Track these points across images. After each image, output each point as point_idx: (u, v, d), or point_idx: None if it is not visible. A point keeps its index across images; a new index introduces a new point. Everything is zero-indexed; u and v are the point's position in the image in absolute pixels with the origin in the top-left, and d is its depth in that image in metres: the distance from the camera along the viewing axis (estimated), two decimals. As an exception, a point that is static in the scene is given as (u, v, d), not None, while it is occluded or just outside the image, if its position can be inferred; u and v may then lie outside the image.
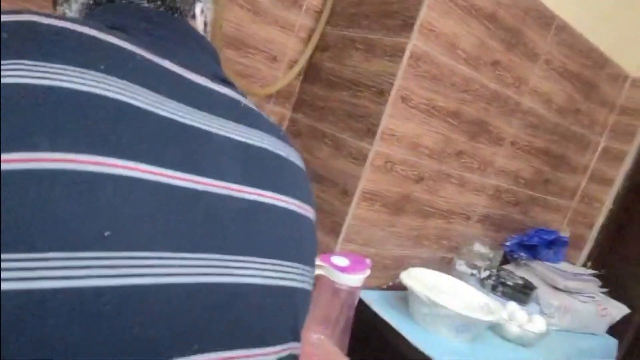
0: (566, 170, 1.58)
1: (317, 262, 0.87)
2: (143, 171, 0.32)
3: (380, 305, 1.09)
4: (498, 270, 1.33)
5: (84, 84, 0.31)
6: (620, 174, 1.58)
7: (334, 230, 1.09)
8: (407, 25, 1.02)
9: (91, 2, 0.45)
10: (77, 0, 0.46)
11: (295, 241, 0.43)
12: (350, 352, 0.95)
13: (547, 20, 1.24)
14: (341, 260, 0.89)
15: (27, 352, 0.26)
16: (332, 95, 1.18)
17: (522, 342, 1.14)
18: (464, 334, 1.03)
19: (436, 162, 1.18)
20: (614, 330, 1.47)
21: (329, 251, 1.07)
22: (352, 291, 0.89)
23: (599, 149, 1.63)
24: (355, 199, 1.07)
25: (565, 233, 1.63)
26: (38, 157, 0.28)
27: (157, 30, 0.42)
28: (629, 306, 1.47)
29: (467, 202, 1.31)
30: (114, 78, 0.33)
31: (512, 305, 1.20)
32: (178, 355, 0.32)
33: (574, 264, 1.61)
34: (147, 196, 0.31)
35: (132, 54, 0.35)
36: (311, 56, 1.25)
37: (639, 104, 1.56)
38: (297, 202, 0.44)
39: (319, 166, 1.16)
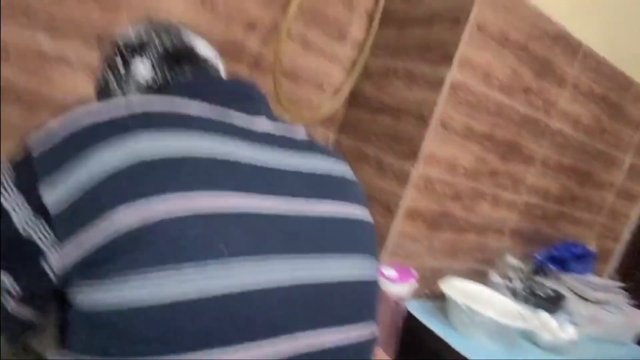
0: (593, 187, 1.65)
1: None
2: (240, 201, 0.43)
3: (421, 312, 1.18)
4: (529, 282, 1.41)
5: (188, 146, 0.43)
6: (646, 190, 1.65)
7: (379, 244, 1.19)
8: (446, 58, 1.13)
9: (146, 86, 0.58)
10: (133, 84, 0.59)
11: (366, 241, 0.55)
12: (397, 356, 1.05)
13: (573, 48, 1.34)
14: (389, 271, 0.99)
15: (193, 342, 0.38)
16: (375, 119, 1.29)
17: (554, 349, 1.22)
18: (500, 339, 1.12)
19: (472, 181, 1.27)
20: (642, 340, 1.53)
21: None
22: (400, 300, 0.99)
23: (625, 166, 1.70)
24: (398, 215, 1.18)
25: (592, 246, 1.70)
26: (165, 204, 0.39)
27: (219, 94, 0.53)
28: (656, 317, 1.53)
29: (500, 218, 1.40)
30: (208, 137, 0.45)
31: (544, 314, 1.28)
32: (297, 330, 0.43)
33: (600, 276, 1.68)
34: (249, 217, 0.43)
35: (216, 121, 0.47)
36: (355, 84, 1.36)
37: (663, 123, 1.63)
38: (360, 210, 0.55)
39: (363, 185, 1.26)
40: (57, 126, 0.42)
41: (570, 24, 1.28)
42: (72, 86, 1.00)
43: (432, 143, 1.16)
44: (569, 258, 1.52)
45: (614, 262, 1.70)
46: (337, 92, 1.36)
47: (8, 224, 0.39)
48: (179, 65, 0.59)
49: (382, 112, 1.28)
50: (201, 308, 0.39)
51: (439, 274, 1.29)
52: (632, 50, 1.49)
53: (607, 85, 1.49)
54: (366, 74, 1.36)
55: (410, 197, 1.18)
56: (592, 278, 1.55)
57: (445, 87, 1.12)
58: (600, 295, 1.45)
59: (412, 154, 1.16)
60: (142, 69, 0.59)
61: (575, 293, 1.45)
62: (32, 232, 0.38)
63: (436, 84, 1.14)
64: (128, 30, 0.64)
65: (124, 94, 0.60)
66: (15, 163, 0.42)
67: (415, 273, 1.04)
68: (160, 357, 0.37)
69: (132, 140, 0.40)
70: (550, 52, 1.28)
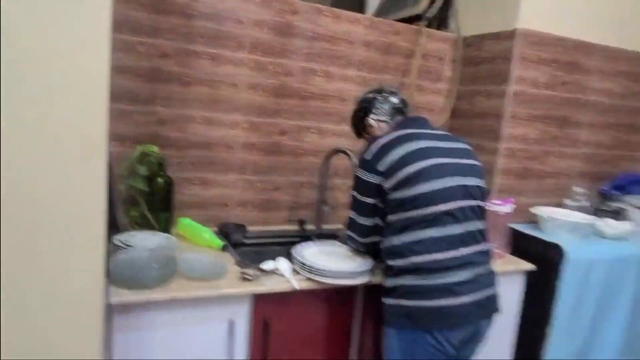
0: (639, 132, 2.31)
1: (489, 203, 1.82)
2: (437, 160, 1.33)
3: (523, 229, 1.98)
4: (598, 206, 2.13)
5: (414, 145, 1.34)
6: (682, 127, 2.27)
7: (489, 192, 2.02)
8: (505, 79, 1.96)
9: (391, 122, 1.51)
10: (384, 124, 1.52)
11: (483, 173, 1.42)
12: (510, 252, 1.86)
13: (592, 50, 2.08)
14: (497, 202, 1.82)
15: None
16: (470, 123, 2.14)
17: (617, 237, 1.94)
18: (574, 233, 1.89)
19: (540, 146, 2.06)
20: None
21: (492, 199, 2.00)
22: (506, 216, 1.81)
23: (663, 113, 2.33)
24: (496, 175, 2.00)
25: (652, 175, 2.34)
26: (419, 164, 1.31)
27: (418, 124, 1.46)
28: None
29: (567, 166, 2.15)
30: (420, 141, 1.36)
31: (608, 219, 2.00)
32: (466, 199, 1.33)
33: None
34: (441, 165, 1.33)
35: (417, 133, 1.39)
36: (453, 104, 2.23)
37: (684, 77, 2.26)
38: (480, 163, 1.42)
39: (472, 162, 2.10)
40: (370, 147, 1.37)
41: (580, 35, 2.04)
42: (315, 143, 2.01)
43: (508, 129, 1.98)
44: (628, 184, 2.20)
45: (670, 183, 2.32)
46: (442, 112, 2.24)
47: (371, 185, 1.35)
48: (397, 112, 1.52)
49: (473, 117, 2.12)
50: (433, 193, 1.28)
51: (532, 206, 2.08)
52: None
53: (628, 64, 2.18)
54: (459, 97, 2.22)
55: (501, 163, 2.00)
56: (650, 196, 2.20)
57: (508, 96, 1.95)
58: (654, 205, 2.11)
59: (496, 136, 1.99)
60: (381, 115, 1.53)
61: (633, 205, 2.13)
62: (378, 181, 1.33)
63: (502, 95, 1.97)
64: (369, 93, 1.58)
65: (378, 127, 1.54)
66: (360, 163, 1.38)
67: (513, 200, 1.84)
68: (421, 209, 1.27)
69: (401, 146, 1.33)
70: (575, 57, 2.05)
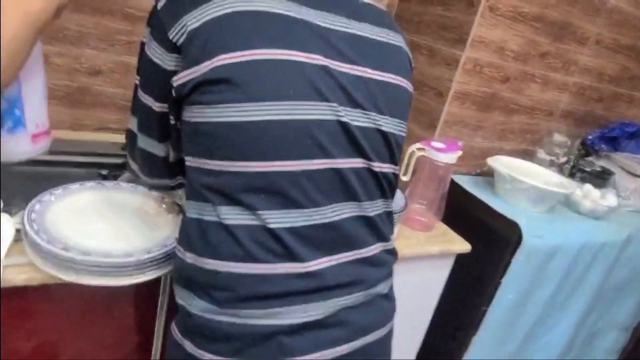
0: (655, 66, 1.64)
1: (420, 145, 1.14)
2: (297, 56, 0.57)
3: (470, 185, 1.34)
4: (578, 160, 1.50)
5: (261, 7, 0.56)
6: None
7: (432, 126, 1.33)
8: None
9: None
10: None
11: (406, 103, 0.70)
12: (445, 218, 1.22)
13: None
14: (438, 144, 1.14)
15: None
16: (426, 10, 1.37)
17: (594, 215, 1.34)
18: (540, 204, 1.26)
19: (521, 63, 1.34)
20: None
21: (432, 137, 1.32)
22: (447, 167, 1.15)
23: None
24: (449, 99, 1.30)
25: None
26: (252, 52, 0.55)
27: None
28: None
29: (550, 99, 1.47)
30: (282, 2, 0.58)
31: (588, 186, 1.39)
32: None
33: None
34: (303, 69, 0.57)
35: None
36: (407, -24, 1.42)
37: None
38: (399, 77, 0.68)
39: (416, 73, 1.37)
40: None
41: None
42: None
43: (481, 28, 1.23)
44: (621, 137, 1.57)
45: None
46: (390, -14, 1.44)
47: (153, 67, 0.59)
48: None
49: (432, 3, 1.35)
50: (264, 128, 0.55)
51: (488, 153, 1.42)
52: None
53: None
54: (418, -35, 1.41)
55: (459, 81, 1.28)
56: (646, 156, 1.60)
57: (493, -29, 1.17)
58: (650, 171, 1.51)
59: (461, 40, 1.25)
60: None
61: (625, 169, 1.53)
62: (173, 66, 0.58)
63: (484, -31, 1.19)
64: None
65: None
66: (149, 21, 0.61)
67: (461, 144, 1.17)
68: (234, 160, 0.56)
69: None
70: None
